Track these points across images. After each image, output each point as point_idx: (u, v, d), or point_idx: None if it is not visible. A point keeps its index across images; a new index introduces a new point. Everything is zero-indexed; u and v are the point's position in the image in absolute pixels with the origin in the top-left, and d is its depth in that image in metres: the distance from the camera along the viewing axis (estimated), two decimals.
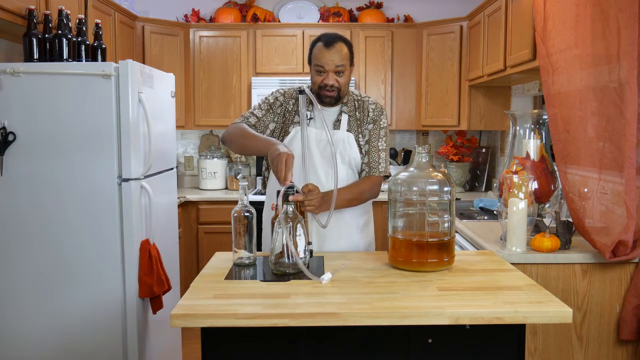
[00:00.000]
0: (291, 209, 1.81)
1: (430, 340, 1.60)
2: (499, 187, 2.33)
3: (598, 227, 2.21)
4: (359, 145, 2.25)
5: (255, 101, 4.26)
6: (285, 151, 1.89)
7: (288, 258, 1.79)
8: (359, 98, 2.30)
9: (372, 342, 1.61)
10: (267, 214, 2.32)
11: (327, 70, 2.14)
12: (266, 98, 2.31)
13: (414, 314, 1.48)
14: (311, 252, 1.96)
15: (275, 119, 2.29)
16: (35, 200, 2.42)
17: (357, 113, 2.27)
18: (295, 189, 1.84)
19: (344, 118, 2.25)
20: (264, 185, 2.37)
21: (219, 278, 1.78)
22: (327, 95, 2.18)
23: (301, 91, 2.08)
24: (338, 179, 2.10)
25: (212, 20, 4.58)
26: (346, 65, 2.16)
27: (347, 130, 2.24)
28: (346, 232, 2.27)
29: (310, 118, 2.24)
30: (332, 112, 2.26)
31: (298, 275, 1.79)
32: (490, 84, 3.92)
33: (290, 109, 2.28)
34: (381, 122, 2.28)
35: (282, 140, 2.25)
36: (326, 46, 2.14)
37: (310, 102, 2.23)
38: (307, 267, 1.85)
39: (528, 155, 2.32)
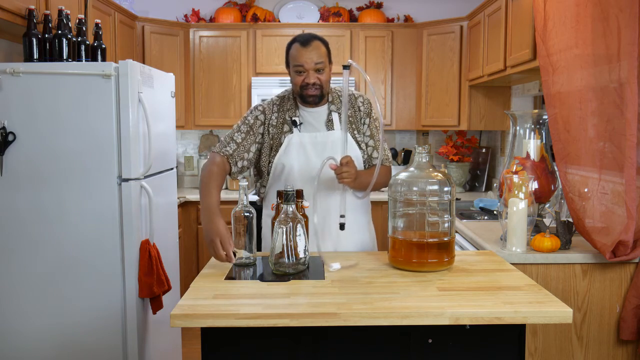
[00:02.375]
0: (291, 209, 1.81)
1: (430, 340, 1.60)
2: (499, 187, 2.33)
3: (598, 227, 2.21)
4: (357, 142, 2.24)
5: (255, 101, 4.27)
6: (215, 237, 1.87)
7: (288, 258, 1.79)
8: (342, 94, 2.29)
9: (372, 342, 1.60)
10: (267, 214, 2.32)
11: (307, 69, 2.13)
12: (245, 119, 2.26)
13: (414, 314, 1.48)
14: (343, 225, 2.03)
15: (257, 140, 2.24)
16: (35, 200, 2.41)
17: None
18: (293, 190, 1.84)
19: (335, 117, 2.24)
20: (258, 194, 2.35)
21: (219, 278, 1.78)
22: (309, 94, 2.16)
23: (346, 66, 1.99)
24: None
25: (212, 20, 4.58)
26: (325, 63, 2.16)
27: (340, 128, 2.24)
28: (357, 229, 2.25)
29: (301, 123, 2.23)
30: (321, 112, 2.25)
31: (298, 275, 1.79)
32: (491, 84, 3.92)
33: (275, 123, 2.24)
34: (373, 114, 2.30)
35: (276, 153, 2.21)
36: (303, 45, 2.14)
37: (297, 107, 2.24)
38: (307, 268, 1.86)
39: (528, 155, 2.32)
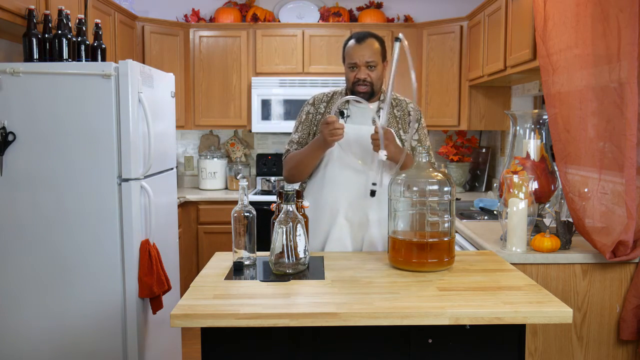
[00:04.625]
0: (291, 209, 1.81)
1: (430, 340, 1.60)
2: (499, 187, 2.33)
3: (598, 227, 2.21)
4: (400, 140, 2.28)
5: (255, 101, 4.28)
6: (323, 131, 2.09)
7: (288, 258, 1.79)
8: (395, 97, 2.36)
9: (372, 342, 1.60)
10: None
11: (358, 65, 2.20)
12: (299, 116, 2.39)
13: (414, 314, 1.48)
14: (374, 192, 2.13)
15: (313, 131, 2.35)
16: (35, 200, 2.41)
17: (395, 111, 2.32)
18: (294, 190, 1.84)
19: (382, 114, 2.27)
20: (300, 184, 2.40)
21: (219, 278, 1.78)
22: (360, 90, 2.23)
23: (397, 39, 2.07)
24: (380, 172, 2.18)
25: (212, 20, 4.58)
26: (377, 61, 2.22)
27: (388, 126, 2.27)
28: (384, 224, 2.24)
29: (348, 115, 2.29)
30: (371, 109, 2.29)
31: (298, 275, 1.79)
32: (491, 84, 3.92)
33: (322, 112, 2.33)
34: (422, 122, 2.37)
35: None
36: (357, 42, 2.22)
37: (347, 101, 2.31)
38: (307, 268, 1.86)
39: (528, 155, 2.32)
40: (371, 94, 2.25)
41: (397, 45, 2.05)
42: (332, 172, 2.25)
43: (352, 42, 2.24)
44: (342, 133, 2.08)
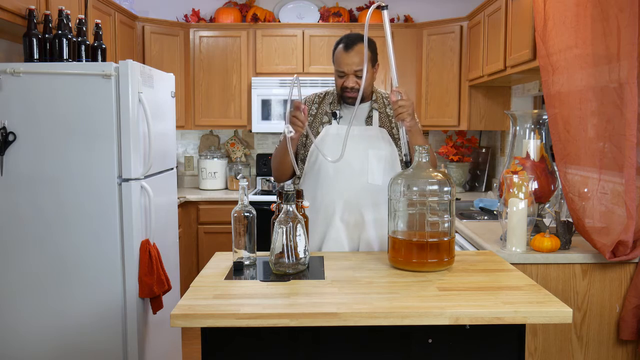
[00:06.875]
0: (291, 209, 1.81)
1: (430, 340, 1.60)
2: (499, 187, 2.33)
3: (598, 227, 2.21)
4: (394, 139, 2.28)
5: (255, 101, 4.28)
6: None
7: (288, 258, 1.79)
8: (387, 96, 2.35)
9: (372, 342, 1.60)
10: None
11: (347, 73, 2.18)
12: None
13: (414, 314, 1.48)
14: (407, 163, 2.08)
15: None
16: (35, 200, 2.42)
17: (387, 110, 2.31)
18: (294, 190, 1.84)
19: (375, 114, 2.29)
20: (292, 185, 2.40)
21: (219, 278, 1.78)
22: (348, 96, 2.22)
23: (384, 7, 2.04)
24: (374, 172, 2.19)
25: (212, 20, 4.58)
26: (367, 67, 2.17)
27: (380, 126, 2.27)
28: (380, 225, 2.25)
29: (340, 117, 2.28)
30: (362, 109, 2.28)
31: (298, 275, 1.79)
32: (490, 84, 3.92)
33: (315, 113, 2.32)
34: (416, 117, 2.33)
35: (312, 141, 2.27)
36: (345, 49, 2.17)
37: (339, 102, 2.30)
38: (307, 268, 1.86)
39: (528, 155, 2.32)
40: (360, 99, 2.23)
41: (385, 13, 2.01)
42: (326, 173, 2.23)
43: (340, 48, 2.18)
44: (301, 125, 2.07)
